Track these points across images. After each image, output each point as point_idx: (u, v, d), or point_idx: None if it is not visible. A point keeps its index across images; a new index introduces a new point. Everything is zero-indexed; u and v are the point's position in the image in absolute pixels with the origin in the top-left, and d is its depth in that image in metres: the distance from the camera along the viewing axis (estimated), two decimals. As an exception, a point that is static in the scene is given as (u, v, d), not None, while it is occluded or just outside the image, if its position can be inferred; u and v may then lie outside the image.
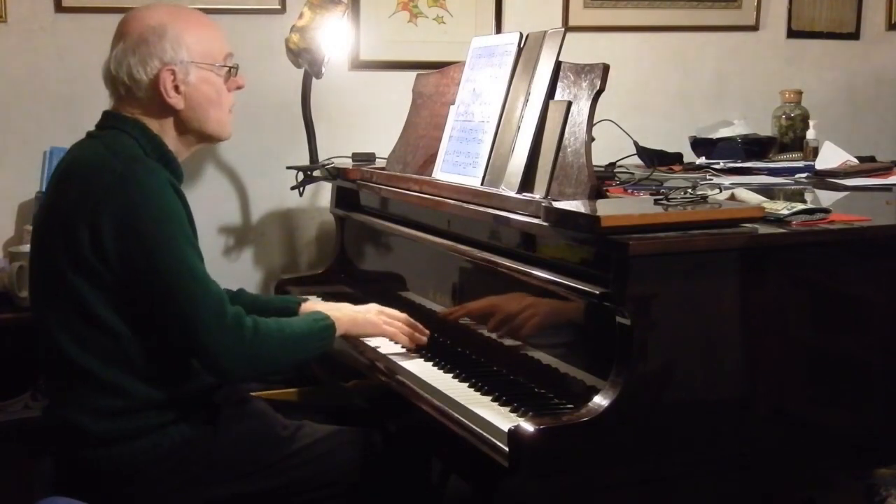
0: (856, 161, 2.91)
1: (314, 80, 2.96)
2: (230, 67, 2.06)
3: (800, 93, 3.41)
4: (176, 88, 1.97)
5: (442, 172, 2.38)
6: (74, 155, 1.98)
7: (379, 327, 2.18)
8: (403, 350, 2.21)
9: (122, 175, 1.85)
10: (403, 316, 2.23)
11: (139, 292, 1.85)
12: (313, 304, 2.30)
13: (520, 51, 2.24)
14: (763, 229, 1.78)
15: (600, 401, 1.66)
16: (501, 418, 1.77)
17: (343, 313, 2.15)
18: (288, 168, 3.00)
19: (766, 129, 3.41)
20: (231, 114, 2.09)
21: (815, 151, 3.11)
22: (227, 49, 2.06)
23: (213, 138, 2.10)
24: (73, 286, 1.85)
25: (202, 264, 1.91)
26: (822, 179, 2.73)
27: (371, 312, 2.20)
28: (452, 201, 2.22)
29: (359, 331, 2.18)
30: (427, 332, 2.21)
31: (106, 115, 2.03)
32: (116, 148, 1.92)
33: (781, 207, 1.87)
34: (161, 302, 1.85)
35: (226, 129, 2.08)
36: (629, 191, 2.26)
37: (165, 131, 2.01)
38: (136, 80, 1.96)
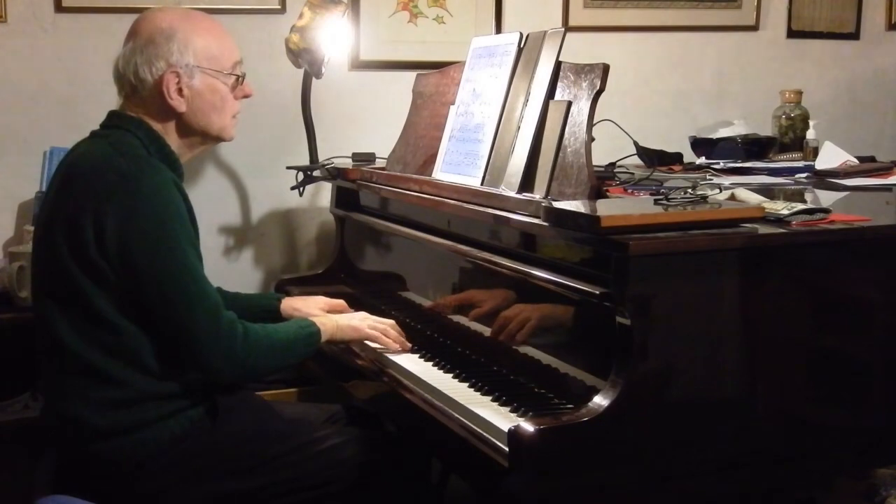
0: (856, 161, 2.90)
1: (314, 80, 2.96)
2: (237, 76, 2.06)
3: (800, 93, 3.41)
4: (179, 91, 1.98)
5: (442, 172, 2.38)
6: (79, 153, 1.99)
7: (362, 331, 2.22)
8: (401, 350, 2.22)
9: (126, 174, 1.87)
10: (390, 322, 2.26)
11: (139, 290, 1.86)
12: (291, 301, 2.37)
13: (520, 51, 2.24)
14: (763, 229, 1.78)
15: (600, 401, 1.66)
16: (501, 418, 1.77)
17: (329, 319, 2.20)
18: (288, 168, 3.00)
19: (766, 129, 3.41)
20: (235, 119, 2.10)
21: (815, 151, 3.11)
22: (236, 57, 2.07)
23: (216, 140, 2.12)
24: (76, 282, 1.86)
25: (201, 267, 1.93)
26: (822, 179, 2.73)
27: (356, 318, 2.25)
28: (452, 201, 2.22)
29: (343, 336, 2.21)
30: (408, 344, 2.24)
31: (111, 114, 2.04)
32: (121, 147, 1.94)
33: (781, 207, 1.87)
34: (159, 301, 1.87)
35: (228, 133, 2.10)
36: (629, 191, 2.25)
37: (168, 133, 2.02)
38: (141, 80, 1.98)
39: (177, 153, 2.03)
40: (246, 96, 2.11)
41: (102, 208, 1.84)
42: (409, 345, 2.24)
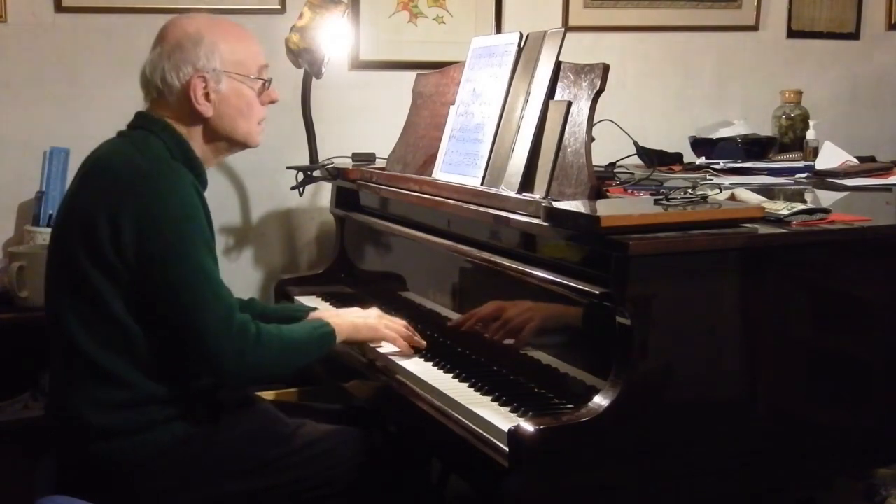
0: (856, 161, 2.91)
1: (314, 80, 2.96)
2: (264, 81, 2.07)
3: (800, 93, 3.41)
4: (206, 96, 1.99)
5: (442, 172, 2.38)
6: (101, 152, 2.00)
7: (379, 332, 2.20)
8: (414, 353, 2.20)
9: (145, 173, 1.88)
10: (402, 322, 2.24)
11: (151, 290, 1.86)
12: (321, 314, 2.30)
13: (520, 51, 2.24)
14: (763, 229, 1.78)
15: (600, 401, 1.66)
16: (501, 418, 1.77)
17: (343, 319, 2.18)
18: (288, 168, 3.01)
19: (766, 129, 3.41)
20: (261, 125, 2.10)
21: (815, 151, 3.11)
22: (262, 62, 2.08)
23: (241, 146, 2.11)
24: (89, 279, 1.86)
25: (216, 269, 1.92)
26: (822, 179, 2.73)
27: (371, 317, 2.22)
28: (452, 201, 2.22)
29: (360, 336, 2.20)
30: (424, 342, 2.22)
31: (138, 115, 2.05)
32: (143, 147, 1.95)
33: (781, 207, 1.87)
34: (170, 301, 1.86)
35: (254, 139, 2.10)
36: (629, 191, 2.25)
37: (193, 137, 2.02)
38: (168, 85, 1.98)
39: (201, 158, 2.03)
40: (273, 101, 2.11)
41: (119, 206, 1.85)
42: (424, 343, 2.21)
